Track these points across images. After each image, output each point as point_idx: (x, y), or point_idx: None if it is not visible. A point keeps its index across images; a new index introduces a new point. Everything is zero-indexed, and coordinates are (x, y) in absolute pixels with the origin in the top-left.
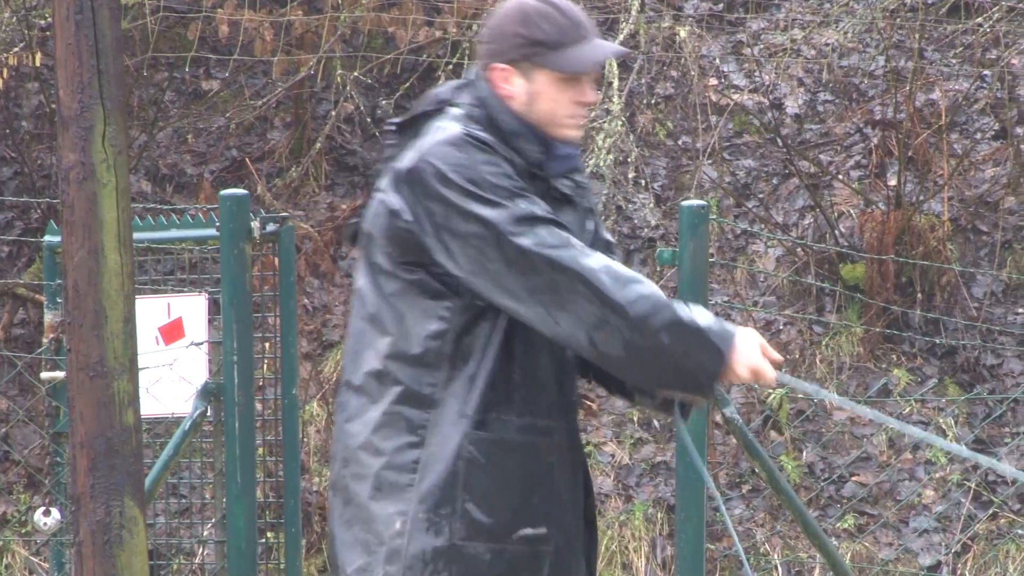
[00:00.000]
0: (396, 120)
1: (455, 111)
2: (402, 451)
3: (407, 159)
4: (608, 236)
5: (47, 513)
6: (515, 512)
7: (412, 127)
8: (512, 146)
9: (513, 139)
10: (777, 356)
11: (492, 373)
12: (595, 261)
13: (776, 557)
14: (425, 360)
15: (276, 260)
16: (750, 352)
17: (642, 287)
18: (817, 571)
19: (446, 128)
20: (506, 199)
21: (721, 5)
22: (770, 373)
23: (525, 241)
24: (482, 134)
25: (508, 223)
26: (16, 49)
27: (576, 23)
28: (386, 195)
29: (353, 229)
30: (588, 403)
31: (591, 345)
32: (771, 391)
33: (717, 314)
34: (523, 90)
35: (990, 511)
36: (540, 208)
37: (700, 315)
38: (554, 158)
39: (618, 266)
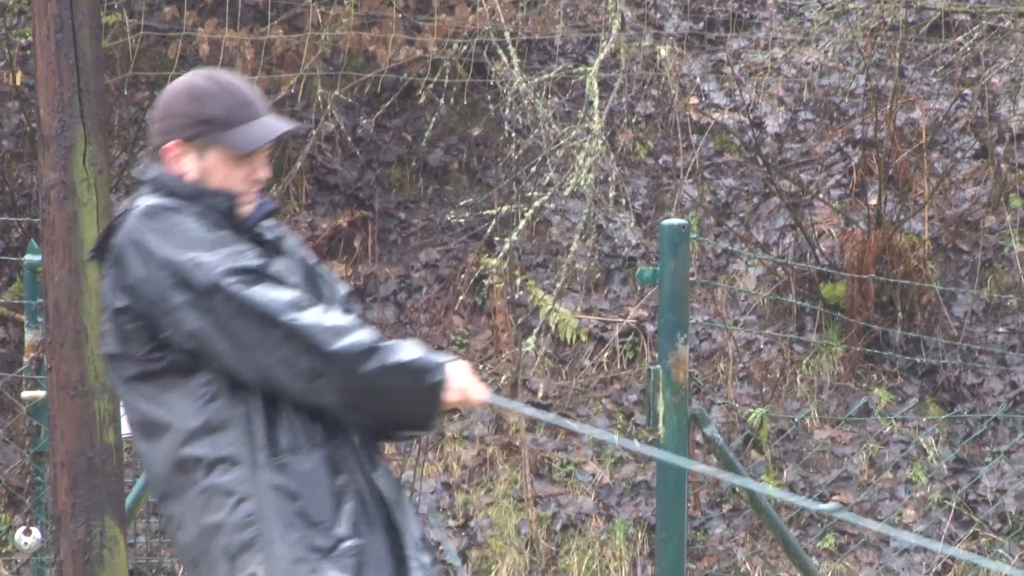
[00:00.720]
0: (92, 249)
1: (137, 202)
2: (233, 511)
3: (112, 249)
4: (336, 283)
5: (28, 532)
6: (338, 526)
7: (108, 242)
8: (201, 204)
9: (198, 200)
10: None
11: (267, 413)
12: (306, 314)
13: None
14: (212, 426)
15: None
16: (459, 376)
17: (352, 336)
18: None
19: (133, 210)
20: (208, 256)
21: (701, 24)
22: (479, 393)
23: (232, 300)
24: (168, 200)
25: (212, 282)
26: None
27: (245, 102)
28: (108, 305)
29: (110, 390)
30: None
31: (310, 396)
32: (752, 410)
33: (697, 334)
34: (195, 166)
35: (971, 531)
36: (245, 259)
37: (409, 351)
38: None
39: (327, 315)
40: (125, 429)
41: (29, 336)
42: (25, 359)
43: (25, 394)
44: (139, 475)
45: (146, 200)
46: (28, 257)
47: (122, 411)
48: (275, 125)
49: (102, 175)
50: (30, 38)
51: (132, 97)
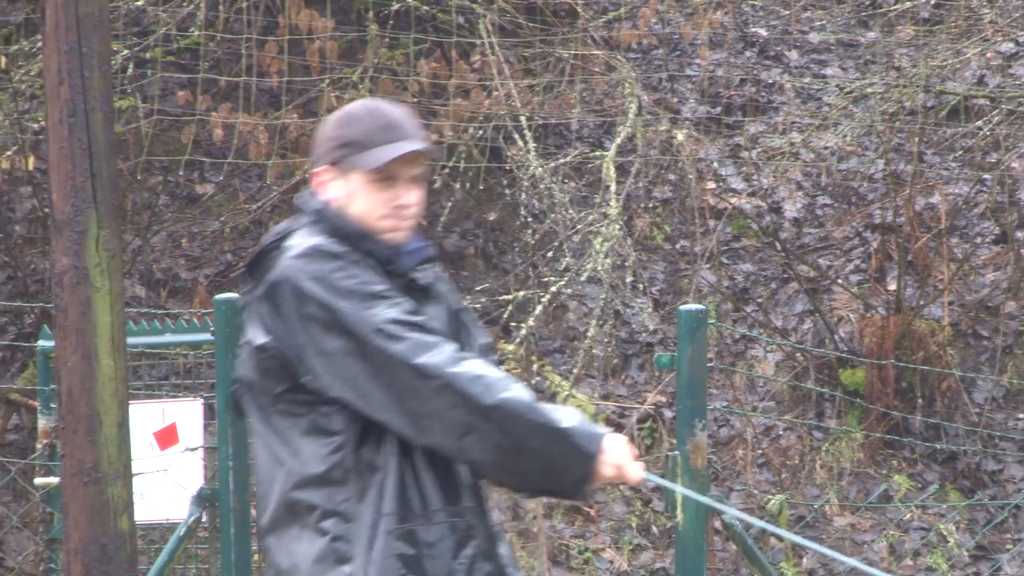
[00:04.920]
0: (247, 262)
1: (300, 231)
2: (333, 567)
3: (264, 284)
4: (478, 330)
5: None
6: None
7: (261, 265)
8: (362, 249)
9: (360, 241)
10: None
11: (399, 472)
12: (463, 366)
13: None
14: (331, 478)
15: None
16: (616, 451)
17: (509, 392)
18: None
19: (296, 245)
20: (365, 306)
21: (719, 108)
22: (634, 472)
23: (389, 349)
24: (330, 244)
25: (370, 332)
26: (9, 152)
27: (388, 124)
28: (251, 335)
29: (235, 398)
30: (587, 509)
31: (460, 452)
32: (771, 497)
33: (716, 419)
34: (342, 192)
35: None
36: (402, 311)
37: (567, 417)
38: (404, 252)
39: (485, 369)
40: (138, 515)
41: (42, 422)
42: (38, 445)
43: (38, 480)
44: (152, 562)
45: (307, 239)
46: (41, 343)
47: (135, 497)
48: (408, 144)
49: (115, 260)
50: (43, 123)
51: (145, 182)
